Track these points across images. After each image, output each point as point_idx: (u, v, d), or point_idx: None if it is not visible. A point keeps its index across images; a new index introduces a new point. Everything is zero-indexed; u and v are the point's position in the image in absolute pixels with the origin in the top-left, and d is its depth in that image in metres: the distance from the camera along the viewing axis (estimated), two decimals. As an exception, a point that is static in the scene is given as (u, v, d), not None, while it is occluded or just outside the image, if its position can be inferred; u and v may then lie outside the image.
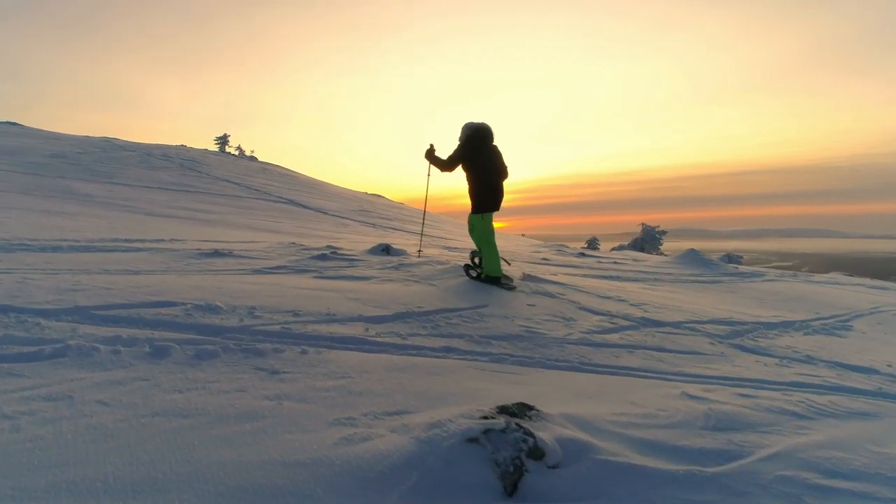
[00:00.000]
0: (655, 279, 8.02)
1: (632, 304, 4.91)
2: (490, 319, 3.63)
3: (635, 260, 11.05)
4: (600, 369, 2.74)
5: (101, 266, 4.45)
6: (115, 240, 6.52)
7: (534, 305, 4.27)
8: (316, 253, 6.16)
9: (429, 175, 5.30)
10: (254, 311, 3.15)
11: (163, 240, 7.00)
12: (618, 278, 7.62)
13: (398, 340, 2.89)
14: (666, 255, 13.48)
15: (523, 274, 5.43)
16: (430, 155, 4.82)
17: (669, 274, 9.17)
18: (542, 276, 5.48)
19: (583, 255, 11.32)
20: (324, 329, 2.94)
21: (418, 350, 2.76)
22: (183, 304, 3.18)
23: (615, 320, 4.13)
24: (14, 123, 25.05)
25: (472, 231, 4.94)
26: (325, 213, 18.58)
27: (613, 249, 20.20)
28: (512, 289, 4.72)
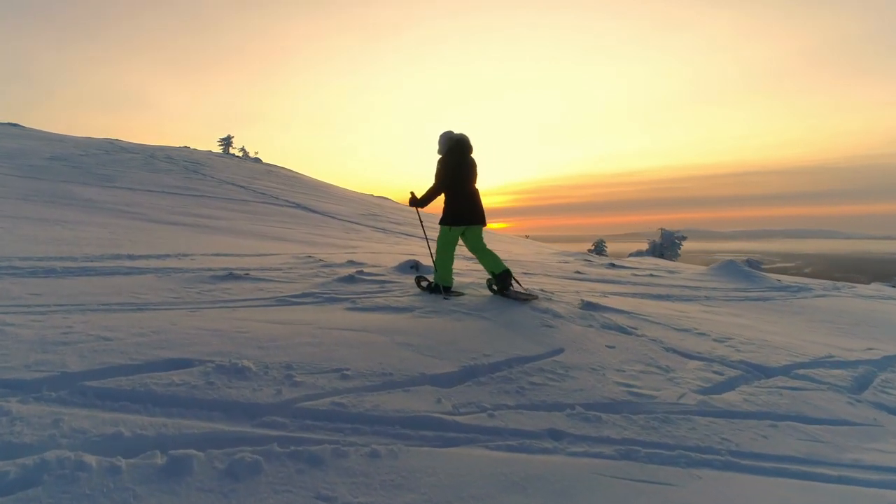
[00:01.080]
0: (707, 297, 7.33)
1: (716, 340, 4.21)
2: (577, 374, 2.93)
3: (670, 272, 10.35)
4: (763, 467, 2.05)
5: (100, 298, 3.76)
6: (117, 256, 5.85)
7: (614, 347, 3.56)
8: (342, 273, 5.47)
9: (421, 221, 5.55)
10: (292, 374, 2.46)
11: (169, 255, 6.33)
12: (668, 297, 6.93)
13: (485, 420, 2.19)
14: (704, 268, 12.78)
15: (583, 301, 4.72)
16: (415, 201, 4.60)
17: (714, 289, 8.48)
18: (602, 304, 4.77)
19: (613, 265, 10.64)
20: (386, 402, 2.24)
21: (518, 439, 2.06)
22: (201, 362, 2.49)
23: (716, 367, 3.43)
24: (15, 125, 24.48)
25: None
26: (334, 218, 17.94)
27: (632, 255, 19.42)
28: (460, 294, 4.56)
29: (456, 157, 4.41)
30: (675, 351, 3.69)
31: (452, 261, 4.58)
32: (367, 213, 21.44)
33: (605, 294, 6.43)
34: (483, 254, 4.54)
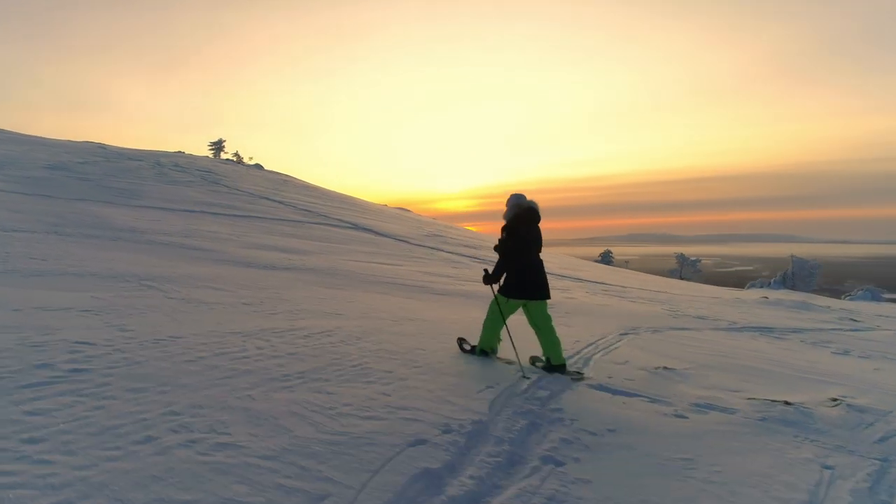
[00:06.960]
0: None
1: None
2: None
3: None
4: None
5: None
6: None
7: None
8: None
9: (496, 295, 4.47)
10: None
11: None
12: None
13: None
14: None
15: None
16: (488, 277, 4.26)
17: None
18: None
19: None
20: None
21: None
22: None
23: None
24: (-11, 125, 20.23)
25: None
26: (408, 243, 15.01)
27: (752, 286, 17.09)
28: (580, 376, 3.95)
29: (523, 227, 4.21)
30: None
31: (500, 328, 4.23)
32: (429, 233, 18.56)
33: None
34: (547, 332, 4.09)
